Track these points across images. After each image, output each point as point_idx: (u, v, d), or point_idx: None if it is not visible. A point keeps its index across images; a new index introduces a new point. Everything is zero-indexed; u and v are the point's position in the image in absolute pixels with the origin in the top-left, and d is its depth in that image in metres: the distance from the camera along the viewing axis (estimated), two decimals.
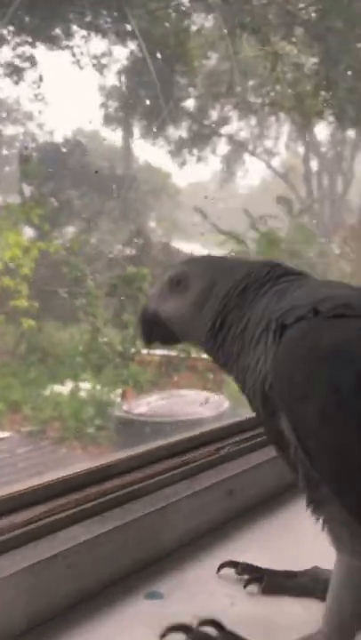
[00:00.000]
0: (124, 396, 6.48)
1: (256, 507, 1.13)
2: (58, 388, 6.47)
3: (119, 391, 6.52)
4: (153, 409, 5.63)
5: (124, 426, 5.58)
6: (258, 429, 1.27)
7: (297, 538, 0.97)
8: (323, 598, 0.82)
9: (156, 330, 0.98)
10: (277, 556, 0.93)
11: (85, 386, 6.41)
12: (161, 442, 1.19)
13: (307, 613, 0.81)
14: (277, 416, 0.74)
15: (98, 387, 6.42)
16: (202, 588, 0.86)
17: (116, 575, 0.87)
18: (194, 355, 6.35)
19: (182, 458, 1.14)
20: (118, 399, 6.36)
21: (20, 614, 0.77)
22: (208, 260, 0.99)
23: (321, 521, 0.75)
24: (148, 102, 9.65)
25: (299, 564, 0.89)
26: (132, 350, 6.61)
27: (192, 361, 6.35)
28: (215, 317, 0.88)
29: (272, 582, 0.86)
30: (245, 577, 0.89)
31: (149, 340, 1.00)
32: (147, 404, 5.80)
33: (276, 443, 0.79)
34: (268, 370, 0.75)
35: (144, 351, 6.70)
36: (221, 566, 0.90)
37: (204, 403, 5.41)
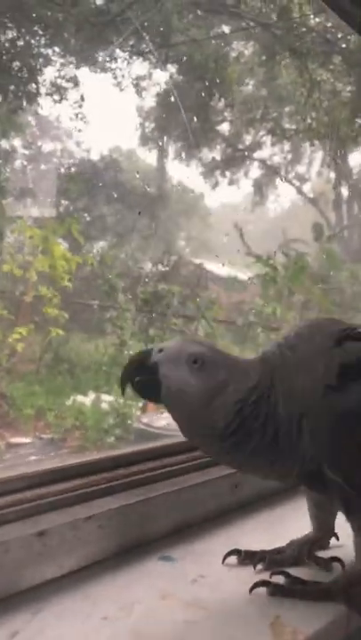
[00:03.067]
0: (144, 409, 6.58)
1: (257, 501, 1.28)
2: (81, 398, 6.61)
3: (140, 404, 6.63)
4: (172, 423, 5.71)
5: (143, 438, 5.67)
6: None
7: (289, 528, 1.12)
8: (308, 560, 1.04)
9: (141, 381, 0.97)
10: (272, 540, 1.07)
11: (107, 397, 6.53)
12: (178, 439, 1.32)
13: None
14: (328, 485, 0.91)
15: (120, 399, 6.53)
16: (206, 558, 1.01)
17: (138, 540, 1.02)
18: None
19: (194, 453, 1.27)
20: (139, 412, 6.47)
21: (58, 562, 0.92)
22: (224, 356, 0.99)
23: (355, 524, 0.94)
24: (183, 125, 9.91)
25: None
26: None
27: None
28: (231, 418, 0.91)
29: (272, 559, 1.00)
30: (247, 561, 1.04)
31: (130, 382, 0.98)
32: (166, 418, 5.87)
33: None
34: (313, 454, 0.90)
35: None
36: (227, 555, 1.04)
37: None
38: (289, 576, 0.96)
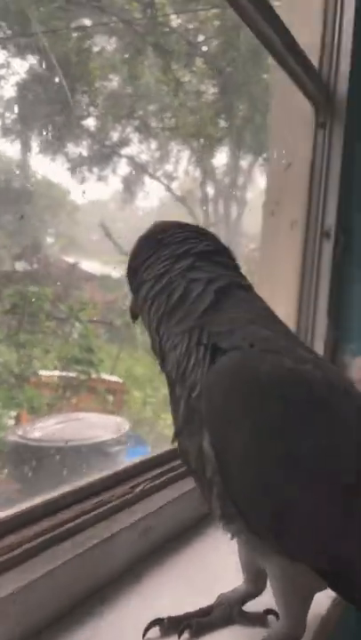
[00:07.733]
0: (18, 419, 6.27)
1: (171, 541, 1.16)
2: None
3: (13, 414, 6.30)
4: (50, 433, 5.50)
5: (19, 451, 5.40)
6: (173, 463, 1.30)
7: (210, 565, 1.03)
8: (239, 620, 0.90)
9: None
10: (192, 587, 0.97)
11: None
12: (74, 484, 1.19)
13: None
14: (199, 427, 0.78)
15: None
16: (120, 633, 0.89)
17: (35, 626, 0.87)
18: (94, 376, 6.28)
19: (96, 500, 1.14)
20: (12, 422, 6.14)
21: None
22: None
23: (232, 533, 0.83)
24: (46, 118, 9.54)
25: (214, 592, 0.95)
26: (29, 372, 6.42)
27: (92, 382, 6.26)
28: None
29: (199, 624, 0.90)
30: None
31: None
32: (43, 428, 5.66)
33: (188, 460, 0.84)
34: (197, 381, 0.79)
35: (41, 372, 6.53)
36: (148, 628, 0.91)
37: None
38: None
